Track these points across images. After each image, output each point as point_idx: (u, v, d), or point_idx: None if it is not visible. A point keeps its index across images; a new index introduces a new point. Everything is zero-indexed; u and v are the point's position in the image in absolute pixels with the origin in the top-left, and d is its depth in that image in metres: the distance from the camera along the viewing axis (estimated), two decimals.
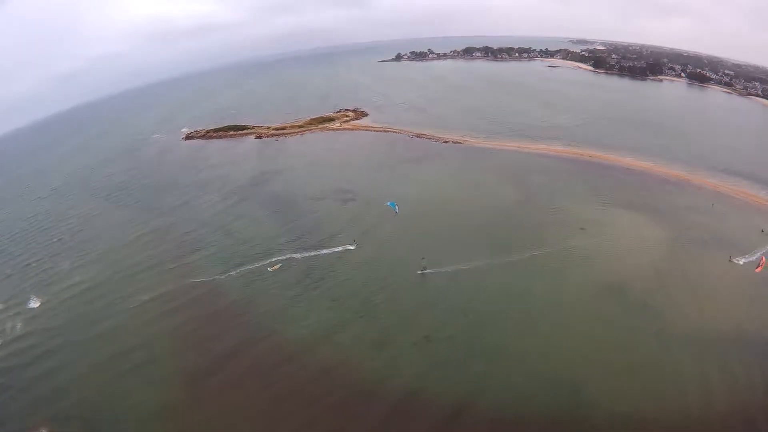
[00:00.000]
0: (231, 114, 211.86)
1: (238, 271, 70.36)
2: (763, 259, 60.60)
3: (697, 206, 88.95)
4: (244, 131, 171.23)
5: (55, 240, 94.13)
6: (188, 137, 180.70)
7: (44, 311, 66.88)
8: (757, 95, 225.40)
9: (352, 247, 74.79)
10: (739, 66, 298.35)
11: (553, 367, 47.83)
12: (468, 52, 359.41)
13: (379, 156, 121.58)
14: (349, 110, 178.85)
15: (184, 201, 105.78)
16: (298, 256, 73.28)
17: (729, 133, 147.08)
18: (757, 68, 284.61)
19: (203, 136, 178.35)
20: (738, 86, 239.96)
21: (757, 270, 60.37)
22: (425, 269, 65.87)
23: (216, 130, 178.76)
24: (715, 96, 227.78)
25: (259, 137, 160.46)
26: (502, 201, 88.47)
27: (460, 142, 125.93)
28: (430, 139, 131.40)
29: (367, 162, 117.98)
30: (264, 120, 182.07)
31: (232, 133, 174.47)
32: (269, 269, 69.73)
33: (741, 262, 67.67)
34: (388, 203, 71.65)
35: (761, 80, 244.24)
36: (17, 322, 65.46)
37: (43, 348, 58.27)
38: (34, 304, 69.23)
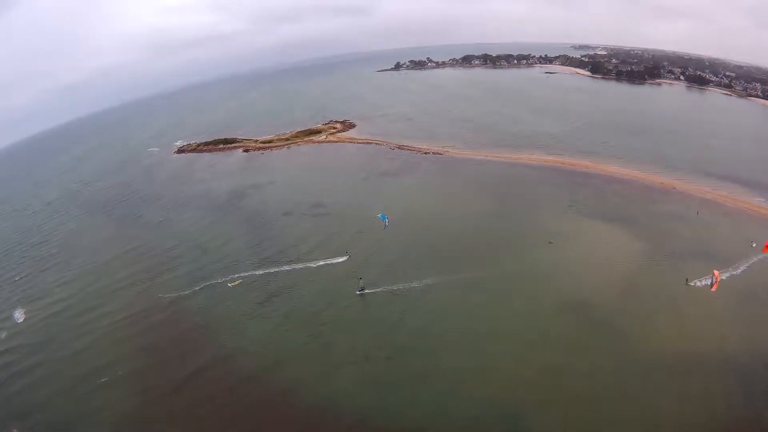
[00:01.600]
0: (227, 126, 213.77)
1: (202, 286, 71.03)
2: (717, 274, 55.50)
3: (680, 215, 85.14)
4: (233, 145, 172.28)
5: (45, 255, 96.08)
6: (180, 151, 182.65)
7: (28, 327, 68.63)
8: (757, 96, 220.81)
9: (343, 259, 74.42)
10: (741, 67, 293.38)
11: (493, 393, 45.74)
12: (467, 60, 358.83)
13: (357, 169, 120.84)
14: (338, 122, 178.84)
15: (167, 217, 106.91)
16: (259, 272, 73.52)
17: (723, 136, 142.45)
18: (759, 69, 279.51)
19: (194, 149, 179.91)
20: (738, 88, 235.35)
21: (713, 289, 55.62)
22: (363, 289, 64.95)
23: (206, 144, 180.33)
24: (714, 98, 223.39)
25: (247, 151, 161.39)
26: (471, 214, 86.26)
27: (440, 153, 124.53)
28: (411, 150, 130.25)
29: (344, 175, 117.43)
30: (258, 132, 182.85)
31: (221, 146, 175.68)
32: (229, 284, 70.21)
33: (700, 285, 61.96)
34: (379, 215, 70.74)
35: (762, 81, 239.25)
36: (2, 334, 68.22)
37: (22, 365, 59.64)
38: (20, 318, 71.42)
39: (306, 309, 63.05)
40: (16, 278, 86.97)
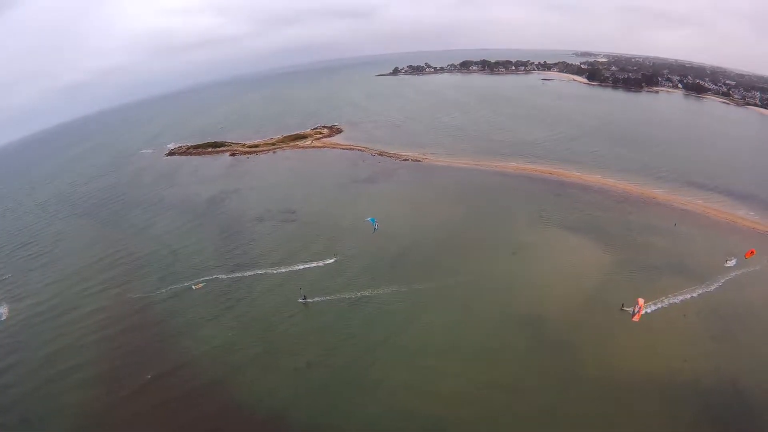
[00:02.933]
0: (219, 129, 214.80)
1: (169, 289, 72.24)
2: (641, 303, 50.36)
3: (656, 227, 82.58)
4: (221, 148, 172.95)
5: (33, 254, 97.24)
6: (171, 153, 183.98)
7: (8, 327, 69.45)
8: (755, 105, 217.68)
9: (331, 261, 74.99)
10: (742, 75, 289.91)
11: (426, 406, 44.79)
12: (465, 66, 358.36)
13: (334, 175, 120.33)
14: (326, 127, 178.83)
15: (148, 220, 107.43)
16: (223, 276, 74.02)
17: (715, 146, 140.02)
18: (760, 78, 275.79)
19: (184, 152, 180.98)
20: (736, 96, 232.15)
21: (635, 319, 50.28)
22: (306, 298, 64.72)
23: (196, 147, 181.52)
24: (711, 106, 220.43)
25: (233, 155, 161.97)
26: (438, 223, 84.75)
27: (419, 160, 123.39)
28: (391, 157, 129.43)
29: (320, 182, 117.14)
30: (248, 136, 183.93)
31: (210, 150, 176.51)
32: (193, 287, 71.31)
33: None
34: (368, 219, 70.44)
35: (762, 89, 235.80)
36: None
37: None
38: (3, 316, 72.99)
39: (259, 314, 63.28)
40: (4, 277, 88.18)
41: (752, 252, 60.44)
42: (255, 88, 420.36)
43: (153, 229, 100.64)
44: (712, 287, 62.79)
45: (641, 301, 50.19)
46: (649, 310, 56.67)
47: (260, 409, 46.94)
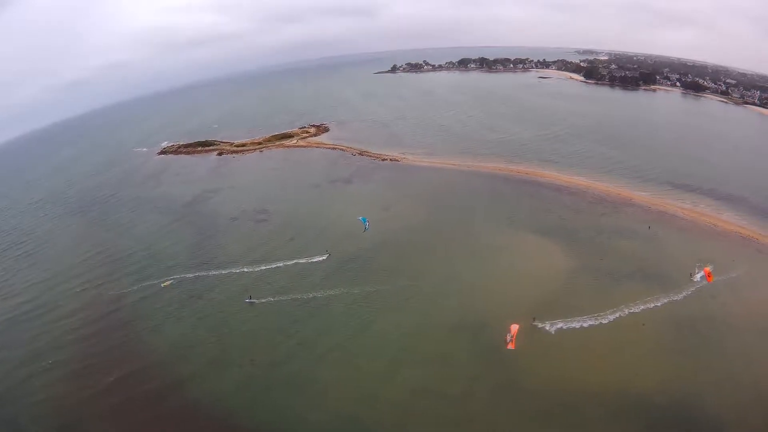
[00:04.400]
0: (213, 128, 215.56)
1: (141, 286, 73.73)
2: (514, 330, 46.07)
3: (628, 229, 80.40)
4: (210, 147, 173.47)
5: (22, 255, 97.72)
6: (163, 152, 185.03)
7: None
8: (754, 104, 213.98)
9: (322, 258, 75.59)
10: (744, 75, 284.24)
11: (357, 409, 45.13)
12: (463, 64, 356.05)
13: (312, 175, 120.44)
14: (314, 125, 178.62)
15: (132, 220, 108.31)
16: (190, 275, 75.10)
17: (707, 146, 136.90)
18: (762, 77, 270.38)
19: (175, 151, 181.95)
20: (734, 95, 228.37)
21: (509, 347, 45.91)
22: (251, 298, 65.76)
23: (186, 146, 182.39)
24: (708, 105, 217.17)
25: (221, 154, 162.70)
26: (402, 226, 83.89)
27: (397, 160, 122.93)
28: (371, 156, 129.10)
29: (298, 181, 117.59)
30: (240, 135, 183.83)
31: (199, 149, 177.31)
32: (162, 285, 72.74)
33: (543, 327, 54.47)
34: (360, 218, 70.84)
35: (762, 89, 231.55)
36: None
37: None
38: None
39: (216, 313, 64.48)
40: None
41: (708, 273, 54.90)
42: (254, 85, 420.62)
43: (135, 229, 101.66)
44: (680, 296, 59.82)
45: (514, 328, 45.99)
46: (604, 321, 55.02)
47: (209, 407, 47.95)
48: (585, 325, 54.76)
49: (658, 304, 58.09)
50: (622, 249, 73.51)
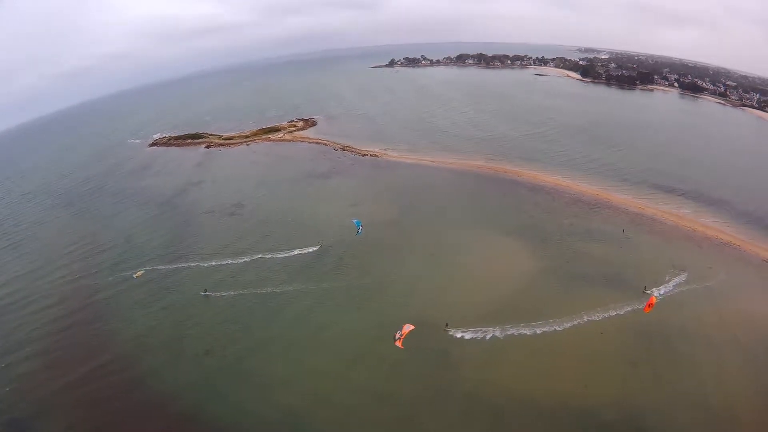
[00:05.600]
0: (205, 120, 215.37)
1: (117, 276, 74.98)
2: (405, 329, 44.14)
3: (601, 232, 78.61)
4: (199, 140, 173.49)
5: (9, 246, 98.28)
6: (154, 144, 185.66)
7: None
8: (752, 106, 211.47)
9: (313, 249, 76.00)
10: (746, 77, 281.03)
11: (296, 402, 46.04)
12: (461, 59, 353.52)
13: (292, 169, 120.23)
14: (302, 119, 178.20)
15: (117, 212, 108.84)
16: (162, 267, 76.08)
17: (698, 148, 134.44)
18: (763, 80, 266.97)
19: (165, 143, 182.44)
20: (733, 97, 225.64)
21: (397, 344, 44.01)
22: (206, 291, 66.68)
23: (177, 138, 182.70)
24: (705, 106, 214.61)
25: (208, 147, 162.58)
26: (369, 222, 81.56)
27: (377, 156, 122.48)
28: (352, 151, 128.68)
29: (277, 175, 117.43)
30: (230, 127, 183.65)
31: (189, 141, 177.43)
32: (134, 276, 73.63)
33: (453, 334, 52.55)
34: (353, 221, 70.16)
35: (762, 91, 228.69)
36: None
37: None
38: None
39: (180, 305, 65.34)
40: None
41: (650, 304, 49.74)
42: (252, 77, 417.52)
43: (118, 220, 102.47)
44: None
45: (406, 327, 44.37)
46: (559, 328, 53.08)
47: (165, 396, 48.89)
48: (538, 331, 52.98)
49: (621, 312, 55.65)
50: (592, 252, 71.70)
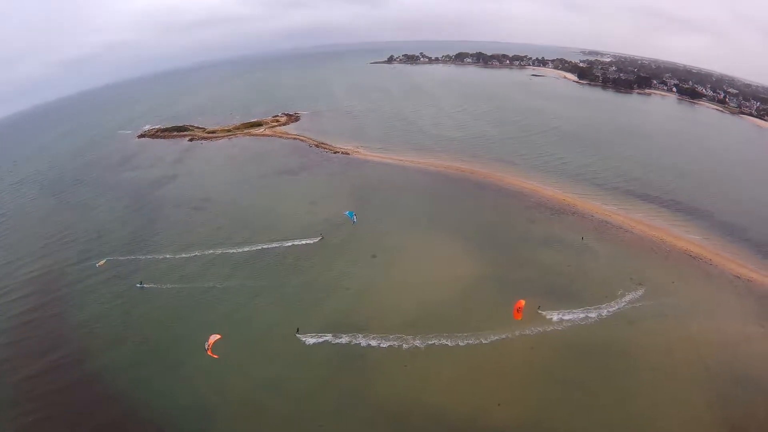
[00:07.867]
0: (195, 113, 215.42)
1: (84, 264, 76.43)
2: (212, 341, 44.81)
3: (559, 239, 75.73)
4: (184, 133, 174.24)
5: None
6: (142, 135, 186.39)
7: None
8: (750, 114, 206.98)
9: (313, 240, 75.89)
10: (749, 85, 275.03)
11: (209, 392, 46.79)
12: (459, 58, 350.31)
13: (265, 164, 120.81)
14: (286, 114, 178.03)
15: (97, 205, 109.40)
16: (123, 258, 76.84)
17: (683, 154, 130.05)
18: (766, 89, 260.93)
19: (153, 135, 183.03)
20: (731, 104, 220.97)
21: (209, 352, 44.68)
22: (142, 283, 67.88)
23: (164, 130, 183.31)
24: (702, 113, 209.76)
25: (192, 140, 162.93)
26: (321, 219, 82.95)
27: (348, 153, 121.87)
28: (326, 148, 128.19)
29: (248, 170, 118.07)
30: (217, 121, 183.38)
31: (175, 133, 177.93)
32: (97, 265, 75.20)
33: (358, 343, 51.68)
34: (346, 213, 69.42)
35: (762, 99, 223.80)
36: None
37: None
38: None
39: (133, 294, 66.29)
40: None
41: (518, 309, 47.17)
42: (250, 70, 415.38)
43: (95, 212, 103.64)
44: (591, 318, 54.30)
45: (213, 337, 44.08)
46: (485, 341, 50.47)
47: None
48: (461, 343, 50.55)
49: (559, 328, 52.58)
50: (544, 260, 68.80)
